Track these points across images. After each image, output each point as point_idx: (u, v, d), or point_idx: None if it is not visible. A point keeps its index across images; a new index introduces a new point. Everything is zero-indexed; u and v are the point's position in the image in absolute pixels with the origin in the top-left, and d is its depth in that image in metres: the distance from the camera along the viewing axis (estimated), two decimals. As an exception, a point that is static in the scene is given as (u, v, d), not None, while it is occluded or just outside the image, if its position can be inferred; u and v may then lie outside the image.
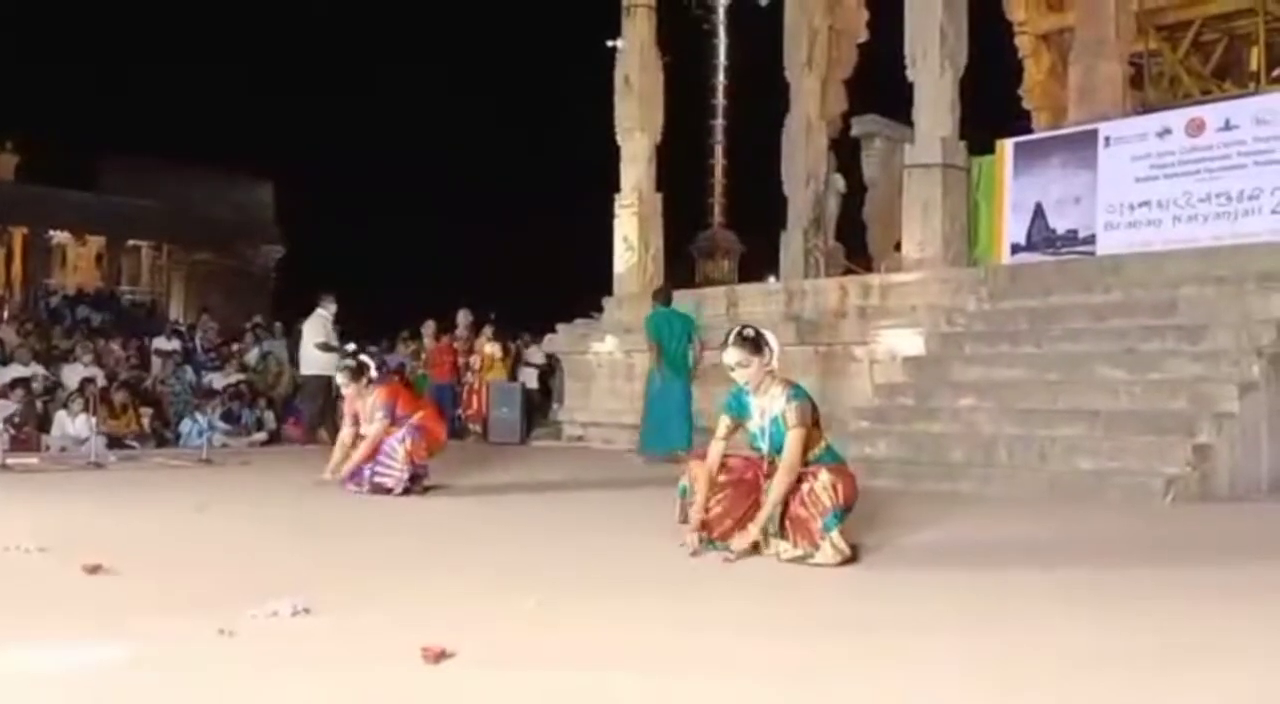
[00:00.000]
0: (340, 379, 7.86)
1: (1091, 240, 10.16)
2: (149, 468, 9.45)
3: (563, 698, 2.74)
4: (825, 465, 4.84)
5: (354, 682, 2.85)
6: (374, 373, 7.81)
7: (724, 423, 5.04)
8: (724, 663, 3.04)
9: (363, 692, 2.77)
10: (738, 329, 5.04)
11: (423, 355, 14.59)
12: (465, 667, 2.93)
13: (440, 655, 2.95)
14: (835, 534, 4.69)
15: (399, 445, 7.24)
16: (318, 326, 12.24)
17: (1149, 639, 3.39)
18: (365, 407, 7.54)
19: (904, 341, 9.85)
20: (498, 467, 9.50)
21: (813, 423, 4.87)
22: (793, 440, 4.77)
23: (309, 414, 12.41)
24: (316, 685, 2.82)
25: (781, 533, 4.80)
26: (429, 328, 14.68)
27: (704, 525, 4.94)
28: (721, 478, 4.98)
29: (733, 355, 4.90)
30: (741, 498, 4.95)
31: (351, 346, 11.80)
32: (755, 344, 4.90)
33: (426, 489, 7.43)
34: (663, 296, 10.75)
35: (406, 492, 7.21)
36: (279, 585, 3.84)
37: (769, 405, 4.90)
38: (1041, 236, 10.51)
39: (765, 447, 4.94)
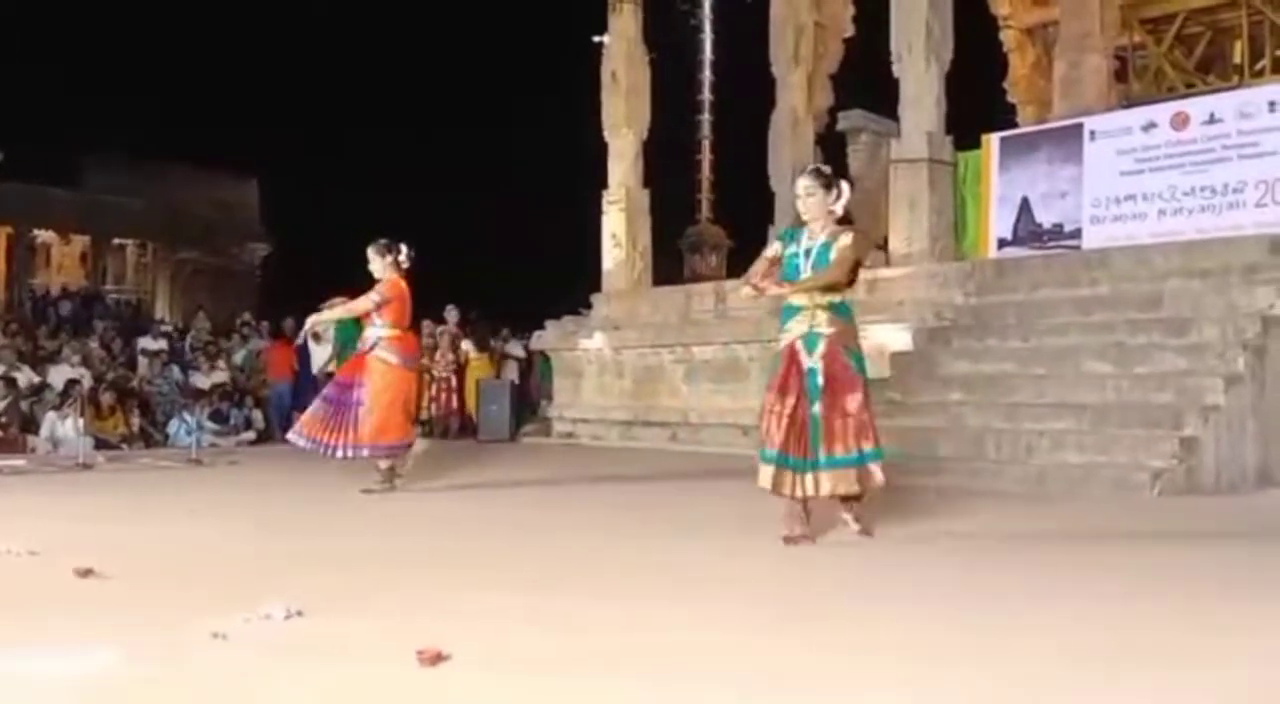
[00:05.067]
0: (370, 252, 7.43)
1: (1077, 234, 10.20)
2: (138, 469, 9.42)
3: (563, 701, 2.75)
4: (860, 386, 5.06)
5: (350, 685, 2.85)
6: (404, 259, 7.43)
7: (773, 247, 5.31)
8: (724, 665, 3.05)
9: (359, 695, 2.78)
10: (816, 165, 5.51)
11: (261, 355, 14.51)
12: (462, 669, 2.92)
13: (437, 658, 2.95)
14: (874, 467, 5.02)
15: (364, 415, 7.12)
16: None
17: (1139, 633, 3.41)
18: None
19: (891, 336, 9.87)
20: (490, 465, 9.50)
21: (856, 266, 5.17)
22: (844, 254, 5.06)
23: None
24: (311, 689, 2.82)
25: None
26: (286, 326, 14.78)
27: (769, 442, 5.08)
28: (776, 408, 5.10)
29: (802, 182, 5.20)
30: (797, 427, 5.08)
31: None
32: (826, 178, 5.20)
33: (393, 473, 7.33)
34: None
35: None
36: (272, 588, 3.83)
37: (819, 234, 5.14)
38: (1028, 231, 10.55)
39: (804, 268, 5.11)
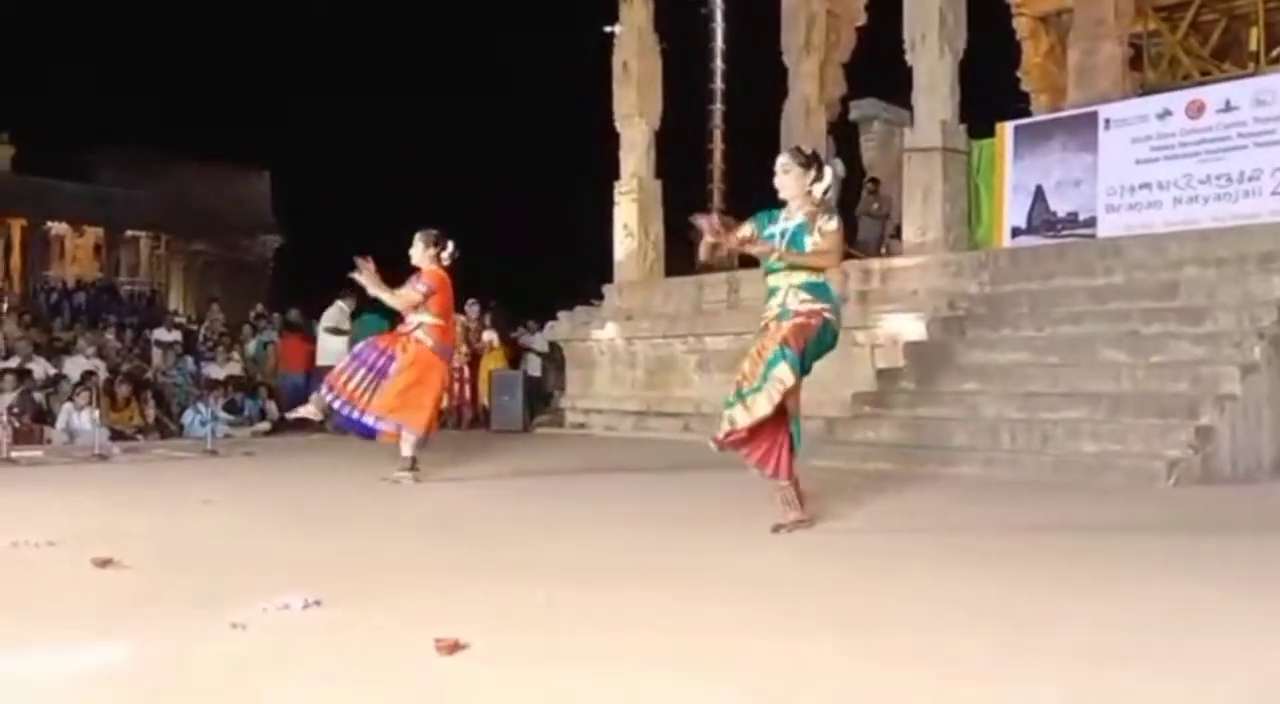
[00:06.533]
0: (417, 238, 7.40)
1: (1092, 223, 10.16)
2: (154, 460, 9.47)
3: (579, 691, 2.76)
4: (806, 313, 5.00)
5: (369, 674, 2.86)
6: (447, 256, 7.43)
7: (746, 227, 5.24)
8: (734, 661, 3.05)
9: (378, 684, 2.79)
10: (798, 145, 5.44)
11: (271, 346, 14.66)
12: (480, 659, 2.94)
13: (454, 647, 2.96)
14: (780, 369, 4.87)
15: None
16: (331, 314, 12.73)
17: (1155, 629, 3.40)
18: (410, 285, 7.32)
19: (905, 326, 9.86)
20: (504, 456, 9.51)
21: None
22: (831, 240, 5.02)
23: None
24: (331, 678, 2.84)
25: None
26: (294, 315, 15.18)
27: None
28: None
29: (780, 160, 5.14)
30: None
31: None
32: (806, 157, 5.16)
33: (415, 461, 7.32)
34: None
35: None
36: (289, 578, 3.85)
37: (796, 214, 5.09)
38: (1042, 219, 10.51)
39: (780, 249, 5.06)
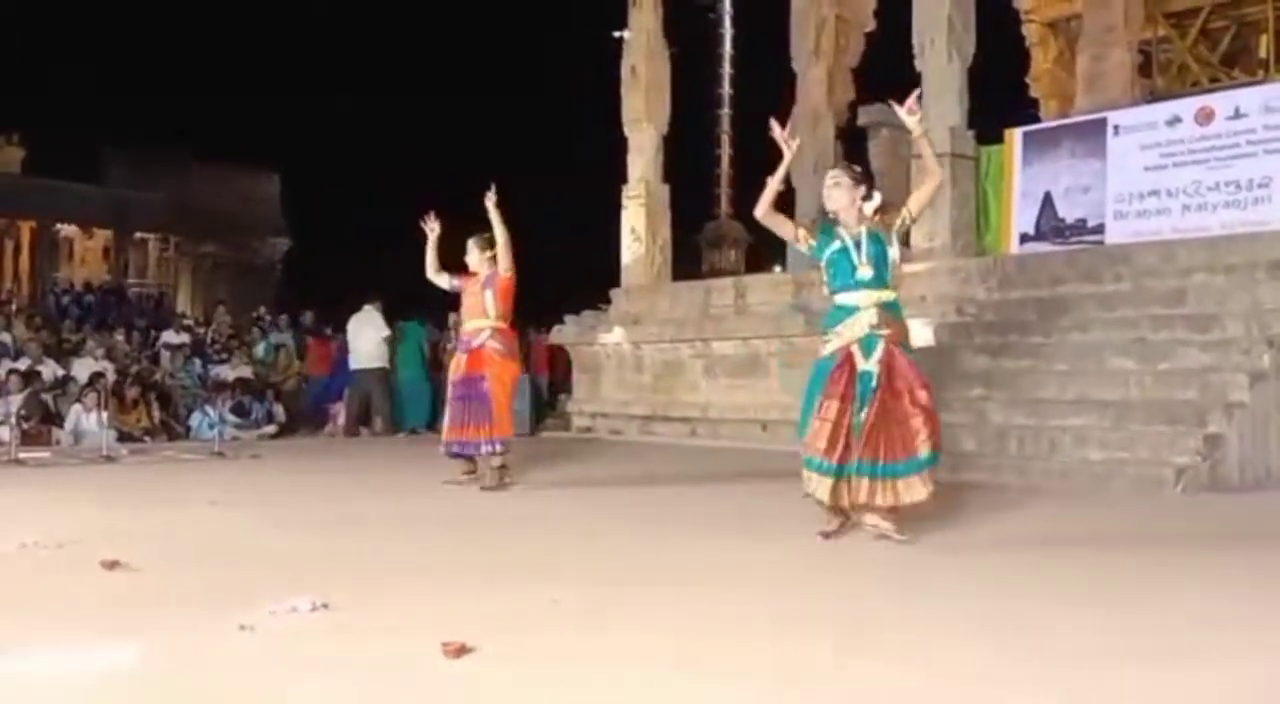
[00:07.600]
0: (471, 244, 7.54)
1: (1101, 230, 10.13)
2: (161, 462, 9.49)
3: (583, 694, 2.76)
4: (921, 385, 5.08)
5: (376, 676, 2.87)
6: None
7: (803, 225, 5.37)
8: (739, 664, 3.05)
9: (384, 686, 2.80)
10: (846, 162, 5.57)
11: (283, 349, 14.84)
12: (486, 662, 2.95)
13: (461, 651, 2.97)
14: (925, 474, 4.96)
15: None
16: (379, 321, 12.81)
17: (1159, 634, 3.39)
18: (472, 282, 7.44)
19: (913, 332, 9.74)
20: (512, 459, 9.49)
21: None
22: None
23: (357, 408, 12.97)
24: (338, 680, 2.84)
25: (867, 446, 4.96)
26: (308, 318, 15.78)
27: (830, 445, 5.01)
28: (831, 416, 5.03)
29: (831, 172, 5.27)
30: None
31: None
32: (856, 174, 5.23)
33: (505, 470, 7.34)
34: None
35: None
36: (297, 581, 3.86)
37: (855, 226, 5.09)
38: (1050, 226, 10.49)
39: (858, 261, 5.02)
